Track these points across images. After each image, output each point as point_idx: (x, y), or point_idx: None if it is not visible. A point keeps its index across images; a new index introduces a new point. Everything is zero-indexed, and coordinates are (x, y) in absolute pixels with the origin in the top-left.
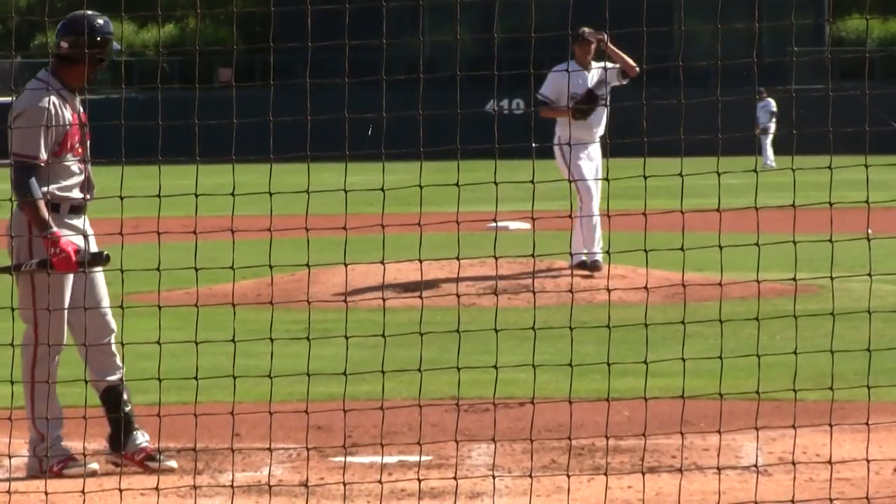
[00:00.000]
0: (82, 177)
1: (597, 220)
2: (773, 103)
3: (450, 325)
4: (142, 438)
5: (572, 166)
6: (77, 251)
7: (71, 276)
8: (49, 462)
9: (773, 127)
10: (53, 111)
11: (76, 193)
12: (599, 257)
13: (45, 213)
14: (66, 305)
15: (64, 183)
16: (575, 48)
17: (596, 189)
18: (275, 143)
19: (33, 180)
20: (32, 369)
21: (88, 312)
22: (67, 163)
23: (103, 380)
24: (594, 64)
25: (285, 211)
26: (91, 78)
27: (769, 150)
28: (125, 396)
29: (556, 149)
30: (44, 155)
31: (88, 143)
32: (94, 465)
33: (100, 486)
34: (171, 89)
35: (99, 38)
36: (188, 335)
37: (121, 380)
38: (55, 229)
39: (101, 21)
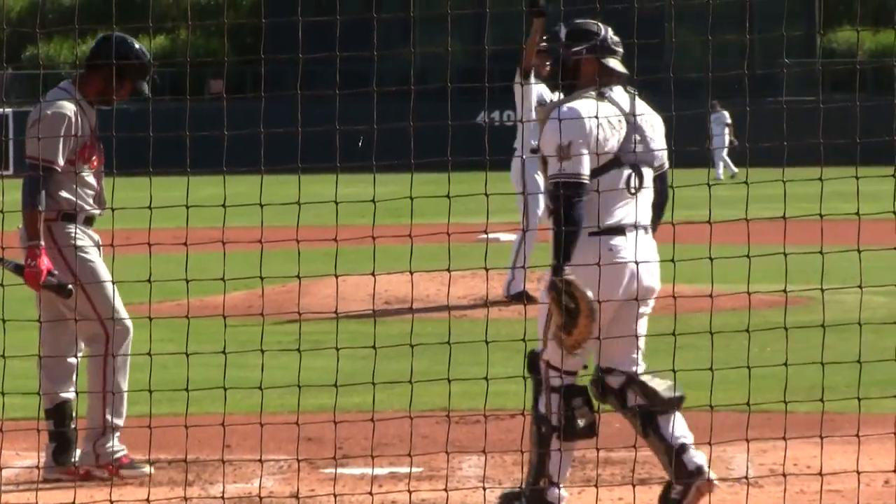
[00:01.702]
0: (98, 189)
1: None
2: (727, 115)
3: (440, 337)
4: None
5: (529, 178)
6: (49, 272)
7: (103, 265)
8: (106, 458)
9: (727, 139)
10: (74, 120)
11: (91, 205)
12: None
13: (40, 223)
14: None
15: (81, 193)
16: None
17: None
18: (266, 155)
19: (40, 186)
20: (105, 364)
21: (56, 325)
22: (83, 174)
23: (55, 393)
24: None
25: (276, 222)
26: (116, 97)
27: (721, 163)
28: (73, 414)
29: (517, 160)
30: (61, 161)
31: (103, 157)
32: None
33: (90, 498)
34: (162, 101)
35: (140, 65)
36: (179, 347)
37: (72, 397)
38: (42, 243)
39: (144, 49)
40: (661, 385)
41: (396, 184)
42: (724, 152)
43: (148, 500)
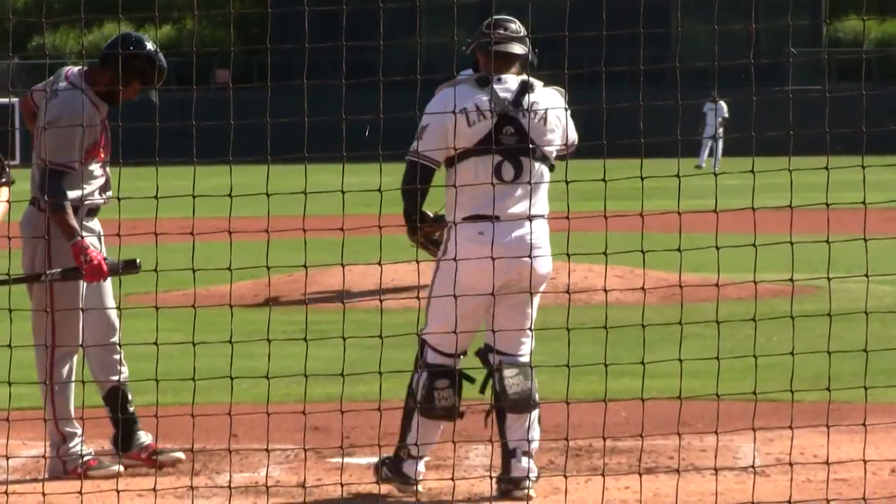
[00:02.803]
0: (103, 179)
1: None
2: (724, 108)
3: None
4: (144, 437)
5: None
6: (105, 259)
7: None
8: (73, 463)
9: (721, 131)
10: (87, 119)
11: (96, 196)
12: None
13: (74, 220)
14: (81, 306)
15: (87, 187)
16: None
17: None
18: (272, 145)
19: (64, 186)
20: (51, 371)
21: (95, 313)
22: (91, 167)
23: (108, 380)
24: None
25: (282, 212)
26: (123, 97)
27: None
28: (129, 397)
29: None
30: (76, 163)
31: (110, 147)
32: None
33: (97, 488)
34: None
35: (152, 65)
36: (186, 336)
37: (125, 380)
38: (82, 237)
39: (160, 55)
40: (517, 386)
41: (402, 173)
42: (710, 144)
43: (155, 489)
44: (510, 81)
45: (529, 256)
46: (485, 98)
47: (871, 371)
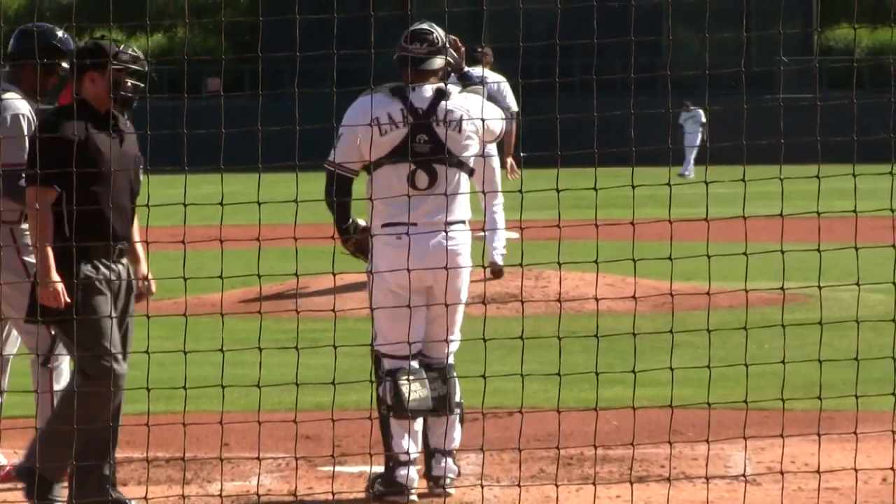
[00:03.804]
0: None
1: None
2: (701, 114)
3: None
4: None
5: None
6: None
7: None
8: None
9: (699, 138)
10: (31, 118)
11: None
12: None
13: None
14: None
15: None
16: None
17: None
18: (263, 153)
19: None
20: (52, 377)
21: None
22: None
23: None
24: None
25: (274, 220)
26: (45, 89)
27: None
28: None
29: (496, 159)
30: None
31: None
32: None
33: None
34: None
35: (62, 51)
36: (177, 344)
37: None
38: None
39: (66, 35)
40: (417, 392)
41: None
42: (695, 152)
43: (146, 498)
44: (426, 90)
45: (446, 268)
46: (398, 108)
47: (863, 380)
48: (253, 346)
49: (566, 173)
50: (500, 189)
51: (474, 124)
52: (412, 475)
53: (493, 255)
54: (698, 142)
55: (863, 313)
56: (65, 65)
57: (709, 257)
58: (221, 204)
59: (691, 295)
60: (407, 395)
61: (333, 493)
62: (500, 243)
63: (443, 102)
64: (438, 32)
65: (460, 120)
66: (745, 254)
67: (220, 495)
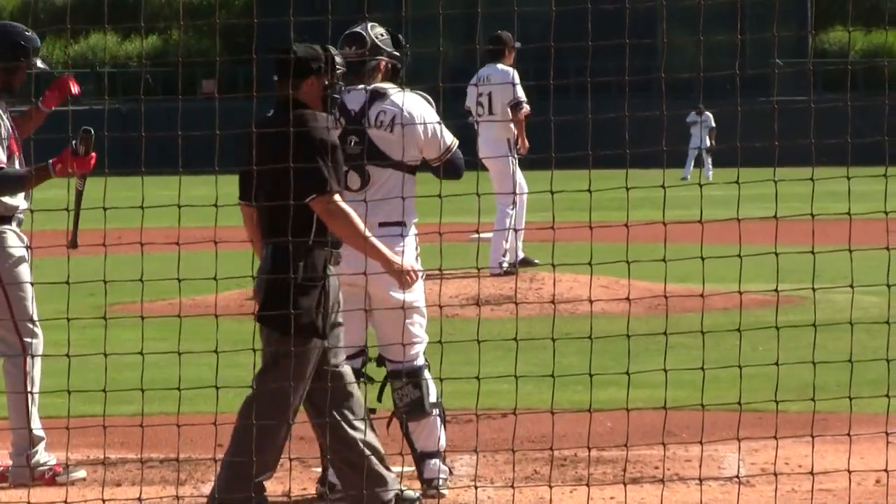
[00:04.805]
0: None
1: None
2: (711, 118)
3: (432, 336)
4: None
5: (520, 177)
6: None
7: (28, 271)
8: (40, 470)
9: (708, 142)
10: (1, 117)
11: (23, 203)
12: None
13: (31, 175)
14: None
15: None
16: (508, 51)
17: None
18: None
19: (6, 170)
20: (26, 378)
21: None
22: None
23: None
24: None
25: None
26: (12, 88)
27: (691, 165)
28: None
29: (509, 160)
30: (4, 157)
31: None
32: (82, 473)
33: (82, 497)
34: (154, 100)
35: (28, 43)
36: (171, 346)
37: None
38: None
39: (29, 32)
40: (406, 397)
41: None
42: (695, 155)
43: (140, 499)
44: (360, 92)
45: (364, 273)
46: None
47: (856, 381)
48: (247, 347)
49: (561, 175)
50: (511, 191)
51: (412, 126)
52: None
53: (491, 262)
54: (704, 145)
55: (857, 315)
56: (41, 64)
57: (703, 259)
58: (216, 205)
59: (685, 297)
60: None
61: (328, 494)
62: (497, 251)
63: (376, 103)
64: (370, 34)
65: (392, 120)
66: (739, 256)
67: None
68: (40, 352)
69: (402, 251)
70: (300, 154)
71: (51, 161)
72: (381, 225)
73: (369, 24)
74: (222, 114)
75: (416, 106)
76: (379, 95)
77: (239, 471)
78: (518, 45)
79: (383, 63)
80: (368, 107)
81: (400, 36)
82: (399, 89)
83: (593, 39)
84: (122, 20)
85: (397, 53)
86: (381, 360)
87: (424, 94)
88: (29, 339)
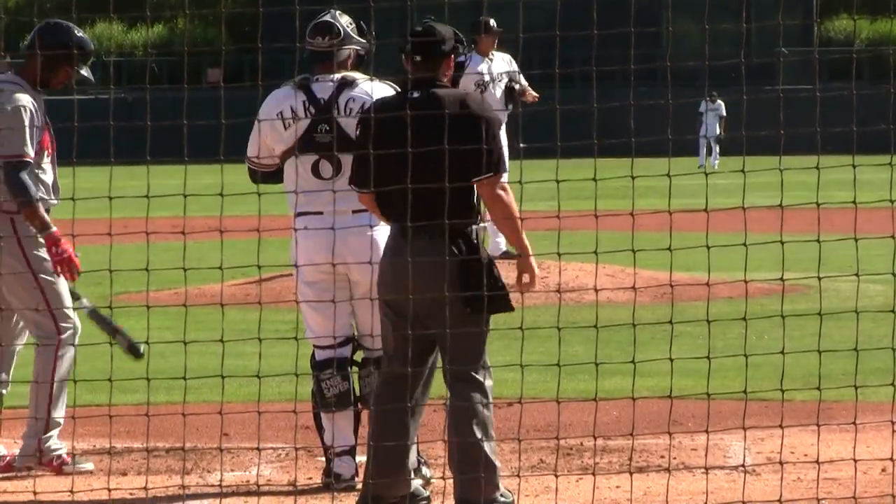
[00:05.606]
0: (52, 178)
1: None
2: (722, 107)
3: None
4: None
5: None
6: (77, 256)
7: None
8: (49, 456)
9: (717, 130)
10: (33, 110)
11: (50, 196)
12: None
13: (43, 211)
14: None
15: (42, 186)
16: (482, 38)
17: None
18: None
19: (27, 178)
20: (55, 365)
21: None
22: (44, 165)
23: None
24: (496, 54)
25: (274, 211)
26: (54, 85)
27: (704, 151)
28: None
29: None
30: (31, 152)
31: (55, 143)
32: (90, 465)
33: (88, 486)
34: (160, 90)
35: (82, 49)
36: (177, 335)
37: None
38: (55, 229)
39: (85, 37)
40: (337, 387)
41: None
42: (706, 143)
43: (146, 488)
44: (329, 81)
45: (339, 263)
46: (301, 100)
47: (862, 370)
48: (253, 336)
49: (566, 164)
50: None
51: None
52: (344, 463)
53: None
54: (713, 133)
55: (862, 304)
56: (85, 73)
57: (708, 248)
58: (221, 195)
59: (691, 285)
60: (327, 390)
61: (333, 483)
62: (498, 234)
63: (345, 91)
64: (340, 23)
65: (361, 108)
66: (744, 244)
67: (220, 485)
68: (76, 340)
69: (373, 238)
70: (478, 133)
71: (56, 237)
72: (354, 213)
73: (337, 13)
74: (228, 103)
75: (385, 94)
76: (347, 84)
77: (491, 475)
78: (494, 25)
79: (353, 52)
80: (337, 95)
81: (362, 23)
82: (367, 78)
83: (598, 28)
84: (128, 9)
85: (364, 41)
86: (357, 346)
87: (392, 83)
88: (64, 324)
